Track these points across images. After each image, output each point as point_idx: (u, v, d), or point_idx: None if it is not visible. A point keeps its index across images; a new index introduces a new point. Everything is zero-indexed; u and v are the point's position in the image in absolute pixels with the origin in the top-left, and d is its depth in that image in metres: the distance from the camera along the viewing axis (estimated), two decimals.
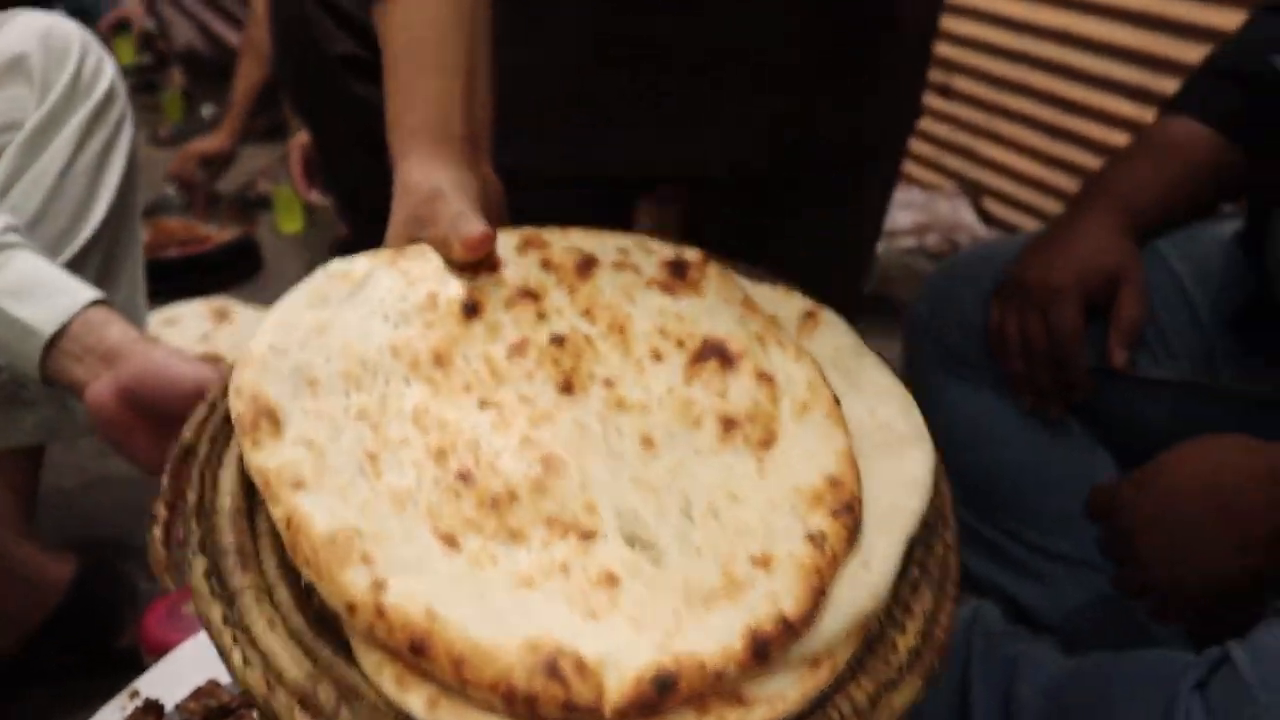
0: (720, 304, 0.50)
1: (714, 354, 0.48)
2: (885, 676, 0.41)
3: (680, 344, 0.49)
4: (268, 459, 0.41)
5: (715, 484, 0.44)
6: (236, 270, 1.94)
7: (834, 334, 0.50)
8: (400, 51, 0.62)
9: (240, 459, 0.44)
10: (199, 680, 0.64)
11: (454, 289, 0.50)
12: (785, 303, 0.52)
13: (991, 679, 0.74)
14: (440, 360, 0.47)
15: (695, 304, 0.50)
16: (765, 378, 0.47)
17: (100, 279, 0.89)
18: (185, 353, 0.73)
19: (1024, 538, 0.88)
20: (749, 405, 0.46)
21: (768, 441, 0.45)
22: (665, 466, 0.44)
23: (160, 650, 0.69)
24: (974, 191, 2.01)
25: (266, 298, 1.61)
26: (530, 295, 0.51)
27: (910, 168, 2.12)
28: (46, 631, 0.94)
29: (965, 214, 1.94)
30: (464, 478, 0.43)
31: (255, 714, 0.58)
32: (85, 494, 1.25)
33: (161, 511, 0.44)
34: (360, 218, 1.55)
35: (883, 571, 0.42)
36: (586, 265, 0.52)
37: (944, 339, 0.91)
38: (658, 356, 0.48)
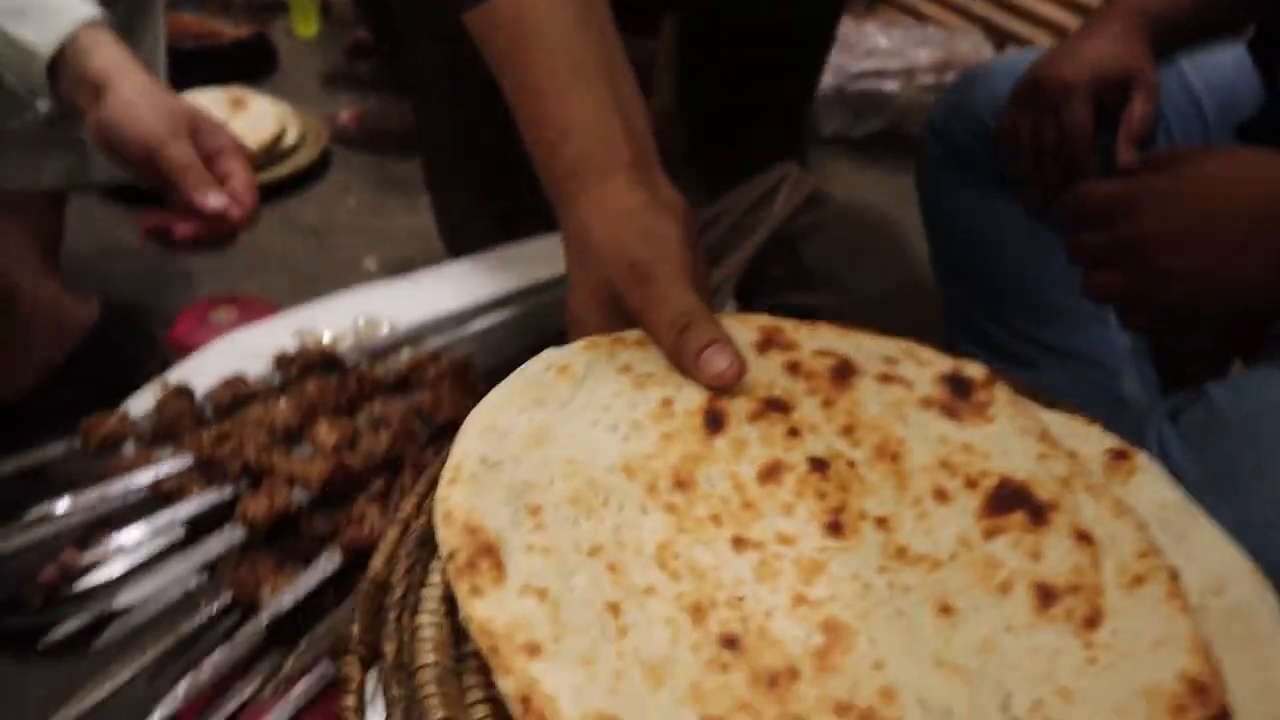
0: (1014, 435, 0.41)
1: (1018, 502, 0.39)
2: None
3: (971, 484, 0.40)
4: (492, 613, 0.33)
5: (1039, 674, 0.35)
6: (251, 69, 1.87)
7: (1154, 484, 0.41)
8: (523, 63, 0.55)
9: (444, 596, 0.37)
10: (226, 373, 0.66)
11: (692, 396, 0.42)
12: (1085, 438, 0.43)
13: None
14: (681, 483, 0.39)
15: (985, 434, 0.41)
16: (1084, 537, 0.38)
17: (122, 31, 0.85)
18: (157, 92, 0.72)
19: (1022, 331, 0.89)
20: (1069, 572, 0.37)
21: (1093, 620, 0.36)
22: (971, 644, 0.36)
23: (188, 350, 0.72)
24: (996, 35, 1.94)
25: (280, 98, 1.58)
26: (779, 406, 0.43)
27: (933, 9, 2.06)
28: (68, 371, 0.92)
29: (986, 53, 1.86)
30: (730, 644, 0.34)
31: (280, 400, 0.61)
32: (104, 261, 1.23)
33: (355, 671, 0.35)
34: (384, 19, 1.44)
35: None
36: (844, 373, 0.44)
37: (955, 141, 0.91)
38: (942, 496, 0.40)
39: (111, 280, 1.06)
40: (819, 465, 0.41)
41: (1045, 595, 0.37)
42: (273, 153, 1.49)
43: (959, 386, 0.43)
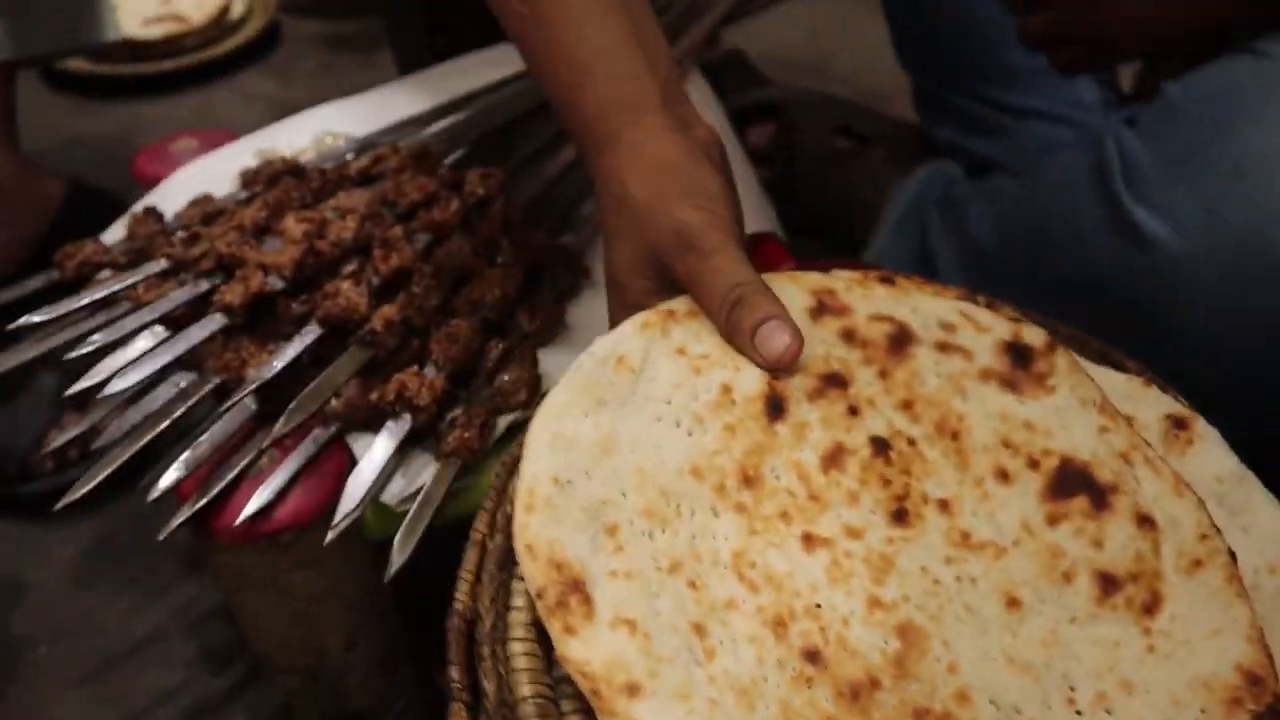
0: (1075, 407, 0.41)
1: (1081, 486, 0.39)
2: None
3: (1033, 464, 0.40)
4: (587, 653, 0.33)
5: (1101, 665, 0.36)
6: None
7: (1213, 454, 0.42)
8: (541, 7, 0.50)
9: (531, 621, 0.37)
10: (194, 195, 0.68)
11: (750, 380, 0.42)
12: (1143, 402, 0.43)
13: (949, 222, 0.84)
14: (749, 480, 0.39)
15: (1045, 408, 0.41)
16: (1145, 520, 0.39)
17: None
18: None
19: (989, 98, 0.92)
20: (1130, 560, 0.38)
21: (1152, 606, 0.38)
22: (1037, 637, 0.37)
23: (153, 183, 0.73)
24: None
25: None
26: (837, 382, 0.42)
27: None
28: (50, 242, 0.91)
29: None
30: (812, 658, 0.35)
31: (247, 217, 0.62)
32: (62, 153, 1.24)
33: (462, 717, 0.36)
34: None
35: None
36: (901, 342, 0.43)
37: None
38: (1004, 477, 0.40)
39: (72, 170, 1.02)
40: (880, 447, 0.41)
41: (1107, 584, 0.38)
42: (221, 25, 1.48)
43: (1019, 356, 0.42)
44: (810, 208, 1.04)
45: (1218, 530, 0.39)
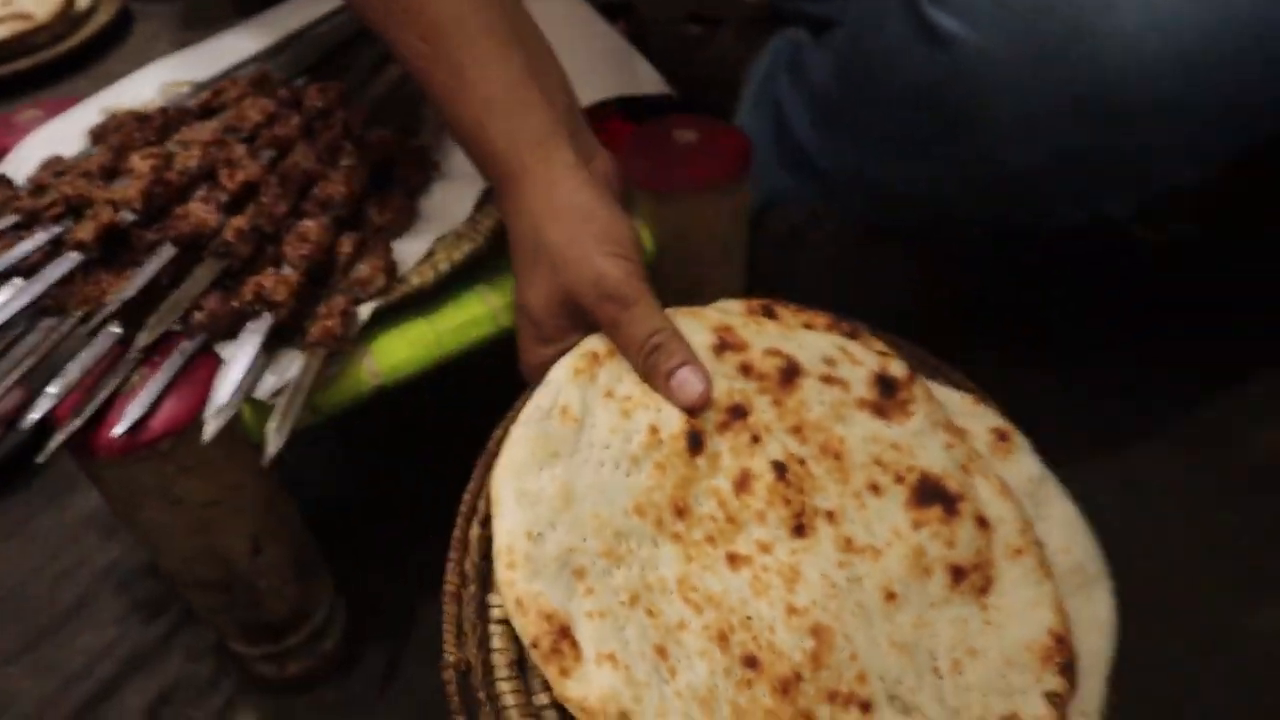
0: (929, 429, 0.51)
1: (936, 497, 0.49)
2: None
3: (899, 479, 0.50)
4: (584, 691, 0.39)
5: (954, 639, 0.47)
6: None
7: (1025, 461, 0.53)
8: (432, 28, 0.52)
9: (511, 661, 0.43)
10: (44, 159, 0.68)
11: (672, 418, 0.48)
12: (974, 417, 0.53)
13: (796, 80, 0.87)
14: (680, 511, 0.46)
15: (907, 430, 0.51)
16: (983, 522, 0.49)
17: None
18: None
19: None
20: (972, 553, 0.49)
21: (985, 587, 0.48)
22: (910, 622, 0.47)
23: (2, 156, 0.74)
24: None
25: None
26: (740, 413, 0.49)
27: None
28: None
29: None
30: (750, 664, 0.43)
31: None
32: None
33: (453, 677, 0.41)
34: None
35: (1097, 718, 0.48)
36: (791, 375, 0.51)
37: None
38: (876, 490, 0.49)
39: None
40: (780, 470, 0.49)
41: (957, 574, 0.48)
42: (69, 19, 1.48)
43: (887, 386, 0.51)
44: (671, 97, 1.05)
45: (1030, 524, 0.50)
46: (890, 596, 0.47)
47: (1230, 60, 0.56)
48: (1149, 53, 0.56)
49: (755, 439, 0.49)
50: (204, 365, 0.54)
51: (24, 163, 0.68)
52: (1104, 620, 0.50)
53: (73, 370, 0.52)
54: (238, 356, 0.54)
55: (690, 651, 0.43)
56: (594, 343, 0.50)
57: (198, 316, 0.55)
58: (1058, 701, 0.46)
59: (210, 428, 0.51)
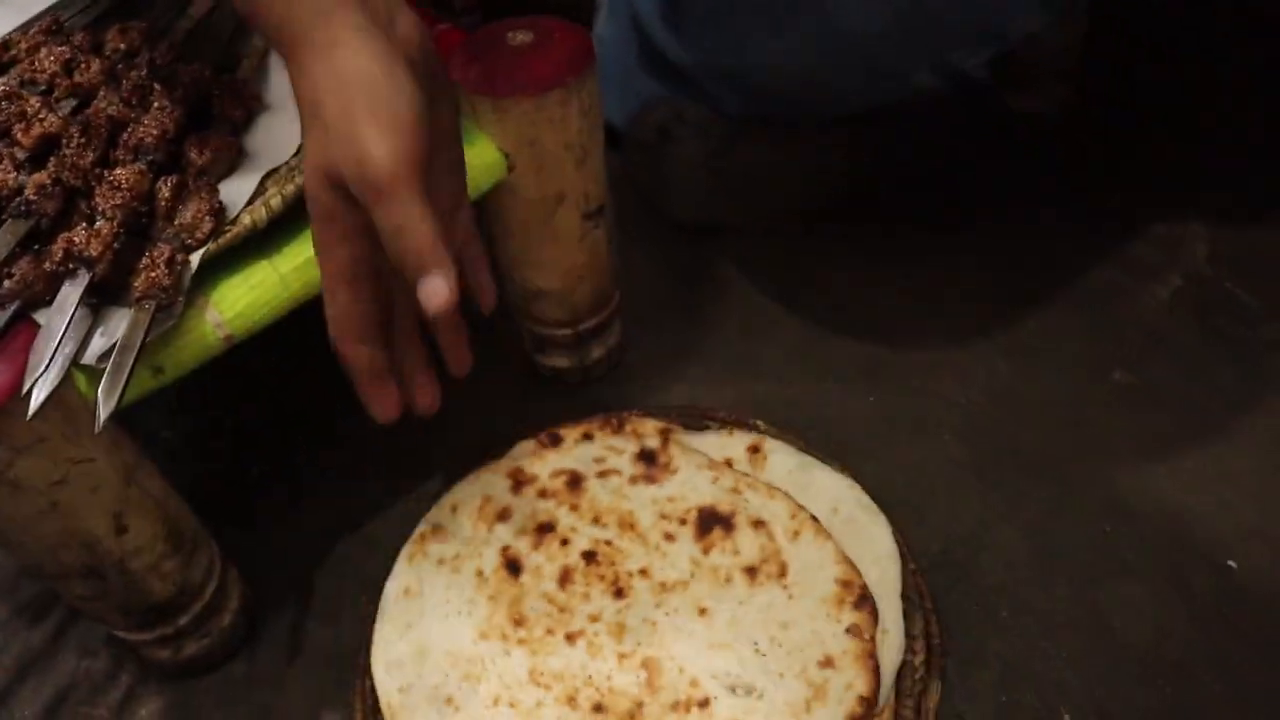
0: (694, 474, 0.63)
1: (714, 522, 0.61)
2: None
3: (683, 521, 0.62)
4: None
5: (766, 620, 0.58)
6: None
7: (779, 459, 0.65)
8: None
9: None
10: None
11: (491, 556, 0.61)
12: (731, 444, 0.66)
13: None
14: (518, 622, 0.59)
15: (676, 482, 0.63)
16: (758, 523, 0.61)
17: None
18: None
19: None
20: (758, 551, 0.60)
21: (783, 571, 0.59)
22: (724, 623, 0.58)
23: None
24: None
25: None
26: (547, 528, 0.62)
27: None
28: None
29: None
30: (599, 710, 0.55)
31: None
32: None
33: None
34: None
35: (898, 630, 0.58)
36: (576, 482, 0.64)
37: None
38: (669, 538, 0.61)
39: None
40: (590, 556, 0.61)
41: (750, 572, 0.60)
42: None
43: (648, 458, 0.64)
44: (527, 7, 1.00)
45: (801, 506, 0.61)
46: (703, 611, 0.58)
47: None
48: None
49: (564, 541, 0.62)
50: (22, 335, 0.50)
51: None
52: (885, 551, 0.61)
53: None
54: (55, 320, 0.50)
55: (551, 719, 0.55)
56: (422, 525, 0.64)
57: (8, 284, 0.51)
58: (857, 630, 0.56)
59: (36, 399, 0.46)
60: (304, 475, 0.75)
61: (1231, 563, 0.63)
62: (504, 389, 0.78)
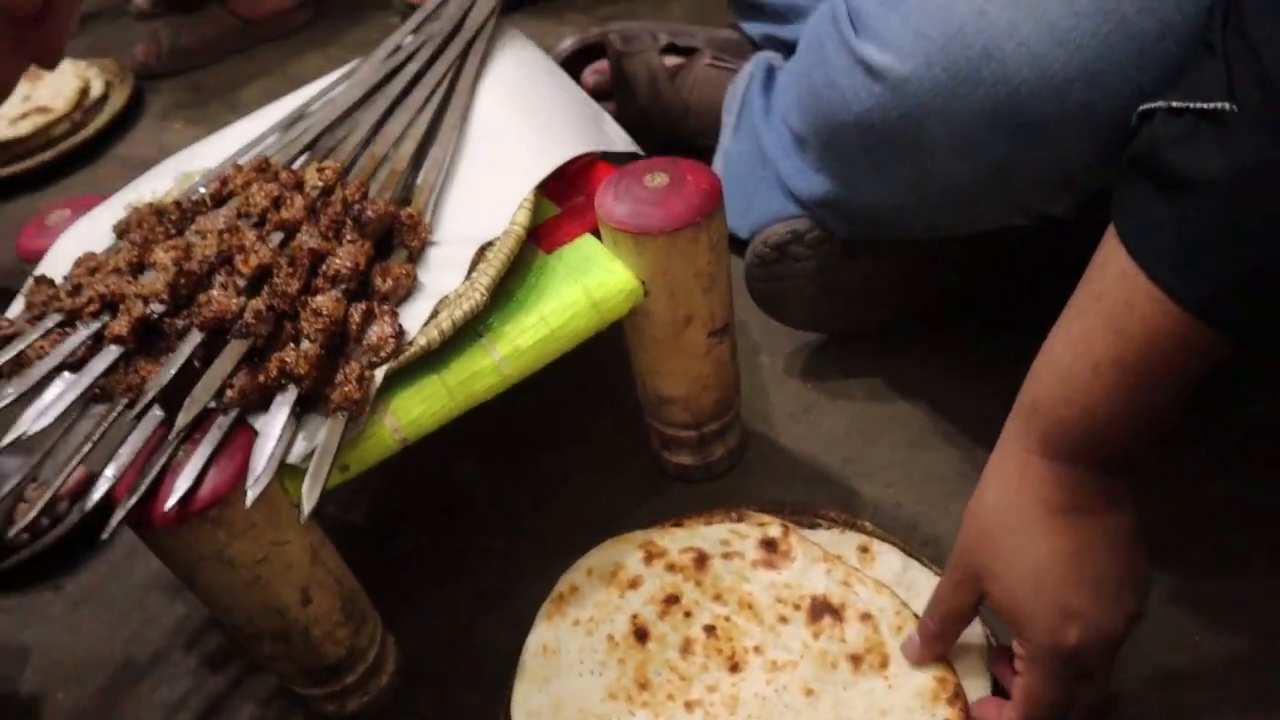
0: (809, 565, 0.70)
1: (825, 610, 0.67)
2: None
3: (797, 607, 0.68)
4: None
5: (866, 707, 0.63)
6: None
7: (888, 559, 0.71)
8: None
9: None
10: (77, 256, 0.72)
11: (622, 622, 0.69)
12: (843, 542, 0.72)
13: (772, 109, 0.93)
14: (643, 685, 0.66)
15: (793, 571, 0.70)
16: (866, 617, 0.67)
17: None
18: None
19: None
20: (863, 642, 0.66)
21: (884, 662, 0.65)
22: (829, 706, 0.64)
23: (39, 257, 0.79)
24: None
25: (72, 56, 1.66)
26: (673, 600, 0.69)
27: None
28: None
29: None
30: None
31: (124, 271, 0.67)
32: None
33: None
34: None
35: None
36: (702, 560, 0.71)
37: None
38: (784, 620, 0.68)
39: None
40: (710, 630, 0.68)
41: (855, 660, 0.66)
42: (84, 107, 1.59)
43: (770, 546, 0.71)
44: (658, 129, 1.13)
45: (905, 604, 0.67)
46: (809, 692, 0.65)
47: (1132, 65, 0.60)
48: (1055, 69, 0.61)
49: (688, 614, 0.69)
50: (241, 437, 0.60)
51: (59, 262, 0.76)
52: (975, 633, 0.65)
53: (125, 452, 0.58)
54: (269, 427, 0.59)
55: None
56: (560, 586, 0.72)
57: (229, 394, 0.59)
58: None
59: (252, 494, 0.56)
60: (455, 554, 0.84)
61: None
62: (633, 482, 0.87)
